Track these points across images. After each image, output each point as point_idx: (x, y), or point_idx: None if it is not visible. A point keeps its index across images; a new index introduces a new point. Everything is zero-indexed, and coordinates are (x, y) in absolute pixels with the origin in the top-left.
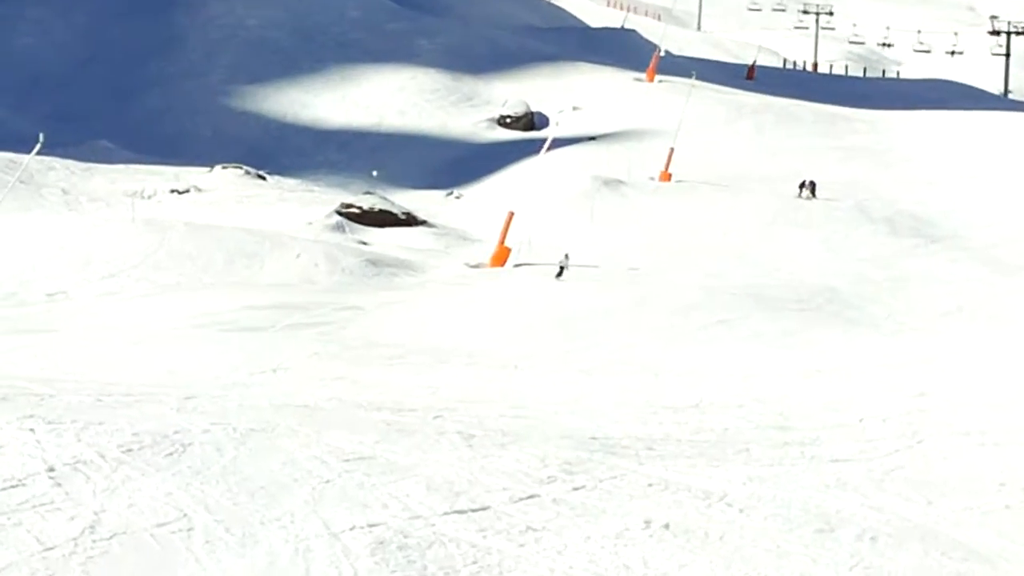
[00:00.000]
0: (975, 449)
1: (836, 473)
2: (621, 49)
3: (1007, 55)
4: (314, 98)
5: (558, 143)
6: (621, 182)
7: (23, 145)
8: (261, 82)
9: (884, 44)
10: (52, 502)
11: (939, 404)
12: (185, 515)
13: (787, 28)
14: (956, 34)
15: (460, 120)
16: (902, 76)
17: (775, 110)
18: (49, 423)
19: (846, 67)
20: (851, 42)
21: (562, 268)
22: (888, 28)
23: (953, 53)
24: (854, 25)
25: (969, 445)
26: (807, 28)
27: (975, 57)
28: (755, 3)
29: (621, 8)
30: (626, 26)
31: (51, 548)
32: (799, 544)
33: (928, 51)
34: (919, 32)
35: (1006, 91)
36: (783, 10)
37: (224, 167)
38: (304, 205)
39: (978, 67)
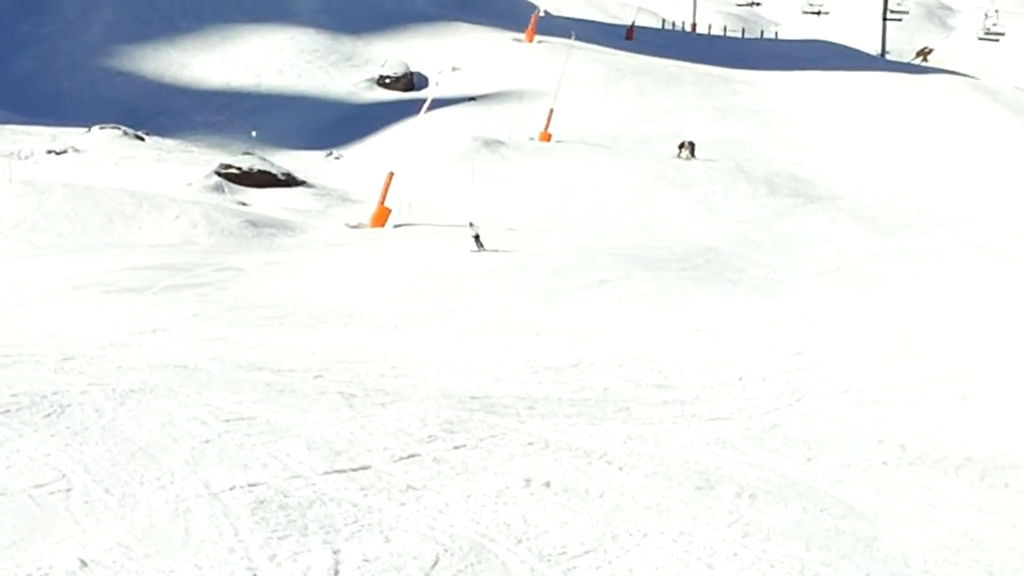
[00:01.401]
0: (853, 407)
1: (715, 431)
2: (500, 9)
3: (884, 17)
4: (192, 58)
5: (438, 104)
6: (501, 143)
7: None
8: (139, 42)
9: (815, 12)
10: None
11: (818, 363)
12: (64, 476)
13: None
14: None
15: (339, 80)
16: (781, 37)
17: (654, 71)
18: None
19: (725, 28)
20: (738, 5)
21: (477, 236)
22: None
23: (818, 13)
24: None
25: (847, 403)
26: None
27: (853, 17)
28: None
29: None
30: None
31: None
32: (679, 501)
33: (817, 13)
34: None
35: (883, 51)
36: None
37: (102, 128)
38: (183, 166)
39: (856, 28)
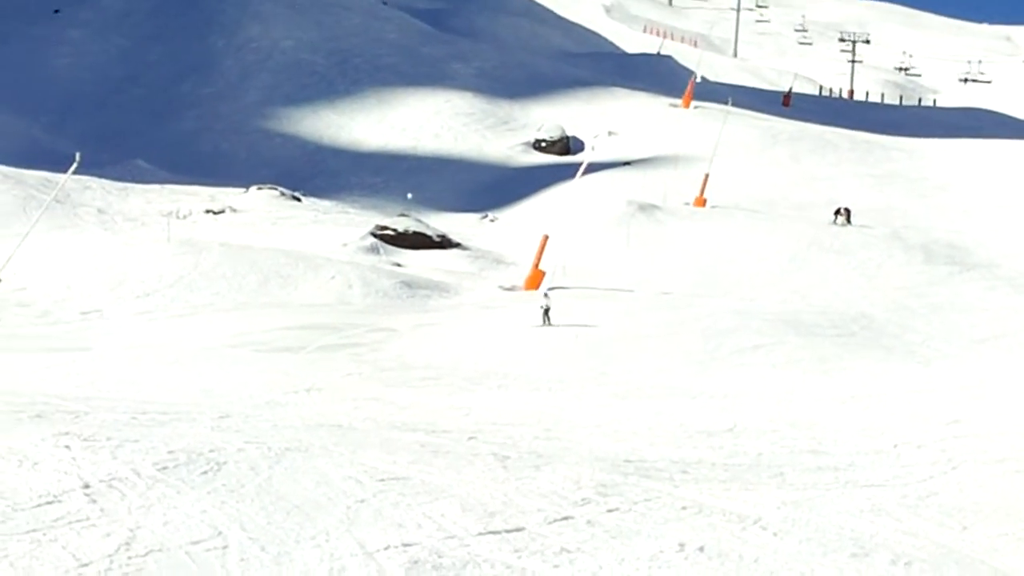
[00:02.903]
0: (1010, 476)
1: (870, 498)
2: (657, 75)
3: None
4: (350, 120)
5: (593, 168)
6: (656, 207)
7: (59, 165)
8: (296, 104)
9: (915, 74)
10: (88, 519)
11: (974, 431)
12: (220, 533)
13: (824, 56)
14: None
15: (495, 144)
16: (938, 104)
17: (811, 137)
18: (84, 440)
19: (882, 95)
20: (898, 69)
21: (547, 310)
22: (911, 55)
23: (975, 81)
24: (904, 55)
25: (1004, 472)
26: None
27: (1012, 86)
28: (772, 27)
29: (657, 34)
30: (662, 52)
31: (87, 564)
32: (833, 568)
33: (970, 80)
34: (976, 62)
35: None
36: (808, 44)
37: (259, 188)
38: (339, 227)
39: (1014, 96)
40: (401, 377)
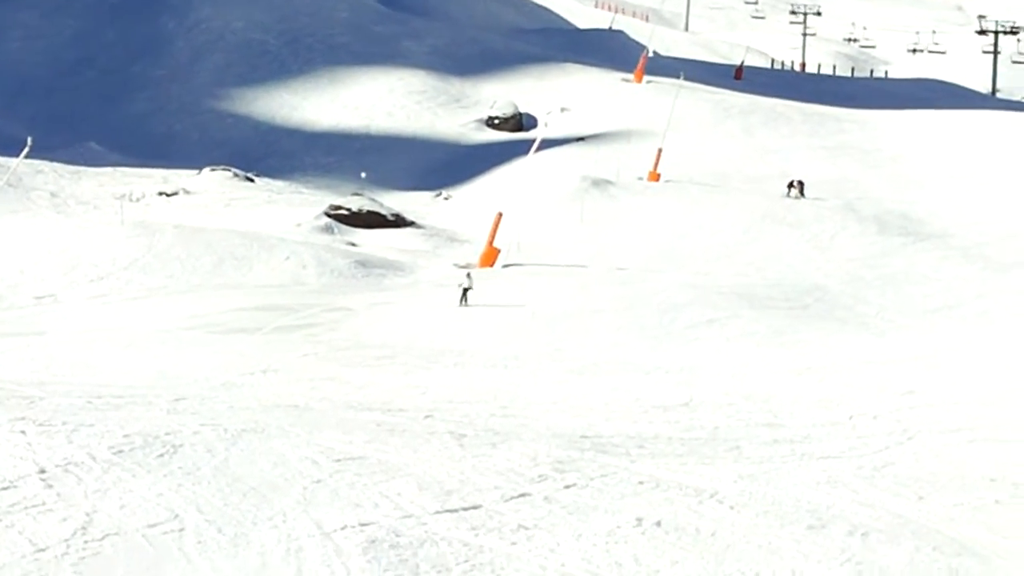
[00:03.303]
0: (965, 445)
1: (826, 470)
2: (609, 50)
3: (995, 54)
4: (302, 100)
5: (546, 144)
6: (610, 182)
7: (11, 149)
8: (249, 85)
9: (868, 46)
10: (44, 503)
11: (929, 401)
12: (176, 516)
13: (776, 29)
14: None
15: (448, 121)
16: (890, 76)
17: (763, 110)
18: (40, 425)
19: (834, 67)
20: (848, 40)
21: (465, 291)
22: (864, 27)
23: (939, 52)
24: (854, 26)
25: (959, 442)
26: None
27: (963, 56)
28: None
29: (609, 9)
30: (614, 27)
31: (43, 549)
32: (790, 540)
33: (919, 51)
34: (928, 33)
35: (994, 90)
36: (760, 18)
37: (212, 169)
38: (293, 207)
39: (966, 66)
40: (357, 356)
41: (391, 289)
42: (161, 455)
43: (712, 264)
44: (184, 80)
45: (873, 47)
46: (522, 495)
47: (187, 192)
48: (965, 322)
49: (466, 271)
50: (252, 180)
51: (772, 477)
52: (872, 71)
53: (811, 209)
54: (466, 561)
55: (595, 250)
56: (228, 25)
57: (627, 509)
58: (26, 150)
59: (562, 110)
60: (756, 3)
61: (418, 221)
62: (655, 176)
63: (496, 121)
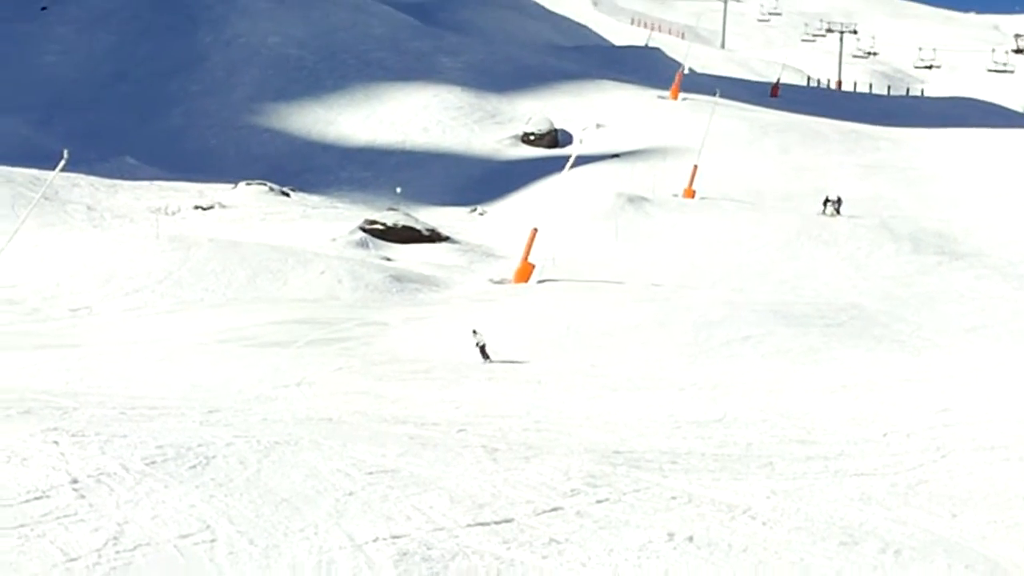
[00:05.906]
0: (1000, 464)
1: (860, 487)
2: (645, 67)
3: None
4: (338, 115)
5: (582, 160)
6: (645, 199)
7: (48, 162)
8: (285, 99)
9: (926, 66)
10: (76, 514)
11: (963, 419)
12: (208, 527)
13: (810, 46)
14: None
15: (484, 137)
16: (926, 94)
17: (799, 128)
18: (73, 436)
19: (870, 85)
20: (866, 52)
21: (483, 348)
22: (934, 49)
23: (931, 67)
24: (872, 38)
25: (993, 460)
26: (815, 41)
27: (1000, 75)
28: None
29: (645, 26)
30: (650, 44)
31: (75, 559)
32: (823, 557)
33: (930, 67)
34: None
35: None
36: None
37: (248, 184)
38: (328, 222)
39: (1002, 85)
40: (391, 370)
41: (426, 304)
42: (193, 466)
43: (747, 281)
44: (220, 95)
45: (939, 67)
46: (554, 509)
47: (223, 206)
48: (1000, 341)
49: (472, 328)
50: (288, 195)
51: (805, 494)
52: (908, 89)
53: (846, 227)
54: (497, 574)
55: (630, 266)
56: (264, 40)
57: (659, 524)
58: (62, 163)
59: (597, 126)
60: (807, 24)
61: (453, 236)
62: (690, 193)
63: (532, 137)
